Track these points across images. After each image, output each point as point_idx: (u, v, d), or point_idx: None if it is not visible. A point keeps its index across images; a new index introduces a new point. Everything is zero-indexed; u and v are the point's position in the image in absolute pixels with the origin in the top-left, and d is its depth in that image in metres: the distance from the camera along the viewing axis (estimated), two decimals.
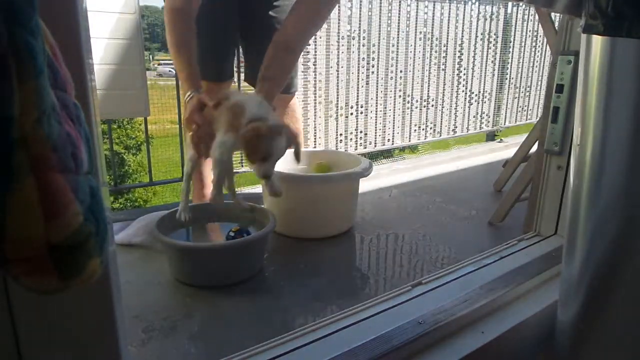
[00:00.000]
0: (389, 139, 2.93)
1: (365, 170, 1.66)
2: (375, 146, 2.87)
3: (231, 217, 1.55)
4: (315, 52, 2.45)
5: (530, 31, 3.51)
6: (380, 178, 2.39)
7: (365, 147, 2.82)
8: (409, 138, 3.03)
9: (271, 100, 1.41)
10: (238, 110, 1.26)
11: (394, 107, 2.89)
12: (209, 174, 1.81)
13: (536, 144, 1.42)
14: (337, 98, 2.60)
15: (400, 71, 2.86)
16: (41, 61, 0.28)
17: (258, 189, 2.05)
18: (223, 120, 1.29)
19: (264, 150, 1.20)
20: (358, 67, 2.65)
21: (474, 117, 3.37)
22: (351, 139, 2.74)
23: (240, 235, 1.38)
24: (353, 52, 2.59)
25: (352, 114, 2.70)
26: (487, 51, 3.29)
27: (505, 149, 3.14)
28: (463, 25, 3.09)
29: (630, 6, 0.58)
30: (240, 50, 2.01)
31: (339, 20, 2.49)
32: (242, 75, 2.17)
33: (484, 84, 3.35)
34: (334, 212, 1.65)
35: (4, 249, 0.28)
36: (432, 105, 3.09)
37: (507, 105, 3.57)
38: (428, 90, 3.04)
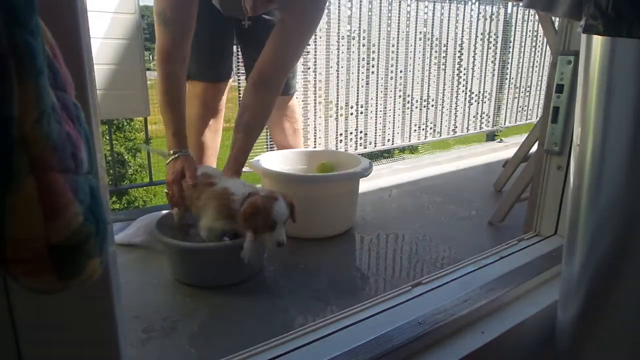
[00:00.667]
0: (389, 139, 2.93)
1: (365, 170, 1.66)
2: (375, 146, 2.87)
3: None
4: (315, 52, 2.45)
5: (530, 31, 3.51)
6: (380, 178, 2.39)
7: (365, 147, 2.83)
8: (409, 138, 3.03)
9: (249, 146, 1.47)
10: (226, 197, 1.28)
11: (394, 107, 2.89)
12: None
13: (536, 144, 1.42)
14: (337, 98, 2.60)
15: (400, 71, 2.86)
16: (41, 61, 0.28)
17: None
18: (211, 206, 1.30)
19: (268, 219, 1.21)
20: (358, 67, 2.65)
21: (474, 117, 3.37)
22: (351, 139, 2.75)
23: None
24: (353, 52, 2.60)
25: (352, 114, 2.70)
26: (487, 51, 3.29)
27: (505, 149, 3.14)
28: (463, 25, 3.09)
29: (630, 6, 0.58)
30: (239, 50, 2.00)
31: (339, 20, 2.50)
32: (241, 76, 2.18)
33: (484, 84, 3.35)
34: (334, 212, 1.66)
35: (4, 249, 0.28)
36: (432, 105, 3.09)
37: (507, 105, 3.57)
38: (428, 90, 3.04)
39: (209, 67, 1.76)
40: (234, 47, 1.92)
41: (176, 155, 1.41)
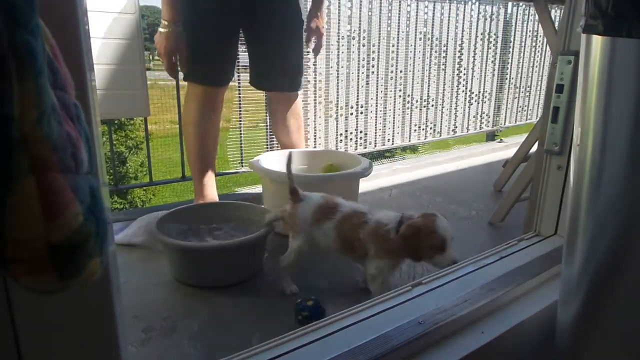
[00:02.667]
0: (389, 139, 2.93)
1: (365, 170, 1.66)
2: (375, 146, 2.87)
3: (230, 218, 1.56)
4: None
5: (530, 31, 3.51)
6: (380, 178, 2.39)
7: (365, 147, 2.82)
8: (409, 138, 3.03)
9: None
10: (382, 228, 1.18)
11: (394, 107, 2.89)
12: (211, 177, 1.81)
13: (536, 144, 1.42)
14: (337, 98, 2.60)
15: (400, 71, 2.86)
16: (41, 61, 0.28)
17: (258, 188, 2.05)
18: (372, 246, 1.19)
19: (434, 238, 1.12)
20: (358, 67, 2.65)
21: (474, 117, 3.37)
22: (351, 139, 2.74)
23: (316, 312, 1.14)
24: (353, 52, 2.59)
25: (352, 114, 2.70)
26: (487, 51, 3.29)
27: (505, 149, 3.14)
28: (463, 25, 3.09)
29: (630, 6, 0.58)
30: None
31: (339, 20, 2.49)
32: (241, 76, 2.18)
33: (484, 84, 3.35)
34: None
35: (4, 249, 0.28)
36: (432, 105, 3.09)
37: (507, 105, 3.57)
38: (428, 90, 3.04)
39: (211, 71, 1.73)
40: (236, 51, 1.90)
41: (170, 29, 1.54)
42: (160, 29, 1.56)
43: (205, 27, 1.61)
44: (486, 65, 3.32)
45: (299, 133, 1.99)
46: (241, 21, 1.71)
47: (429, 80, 3.02)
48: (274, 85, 1.87)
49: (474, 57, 3.22)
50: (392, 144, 2.97)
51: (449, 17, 3.00)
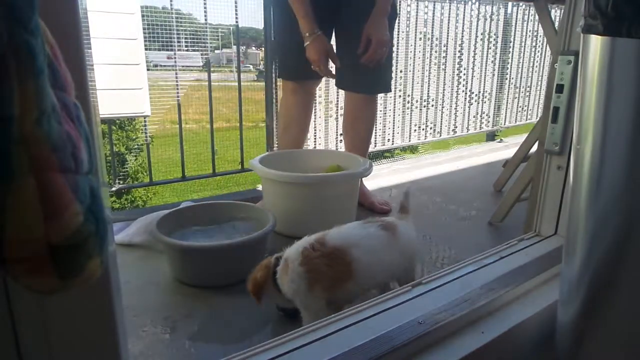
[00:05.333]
0: (389, 139, 2.93)
1: (365, 170, 1.66)
2: (375, 146, 2.87)
3: (230, 218, 1.56)
4: None
5: (530, 31, 3.51)
6: (380, 178, 2.39)
7: None
8: (409, 138, 3.03)
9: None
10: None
11: (394, 107, 2.89)
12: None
13: (536, 144, 1.42)
14: (337, 98, 2.60)
15: (400, 71, 2.86)
16: (41, 61, 0.28)
17: (258, 189, 2.05)
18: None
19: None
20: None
21: (474, 117, 3.37)
22: None
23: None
24: None
25: None
26: (487, 51, 3.29)
27: (505, 149, 3.14)
28: (463, 25, 3.09)
29: (630, 6, 0.58)
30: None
31: None
32: (241, 75, 2.18)
33: (484, 84, 3.35)
34: (334, 212, 1.65)
35: (4, 249, 0.28)
36: (432, 105, 3.09)
37: (507, 105, 3.57)
38: (428, 90, 3.04)
39: (298, 68, 1.82)
40: None
41: (313, 37, 1.65)
42: (306, 43, 1.68)
43: (289, 30, 1.73)
44: (486, 65, 3.32)
45: (364, 139, 1.96)
46: (327, 24, 1.78)
47: (429, 80, 3.02)
48: (348, 85, 1.91)
49: (474, 57, 3.22)
50: (392, 144, 2.97)
51: (449, 17, 3.00)
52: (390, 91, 2.14)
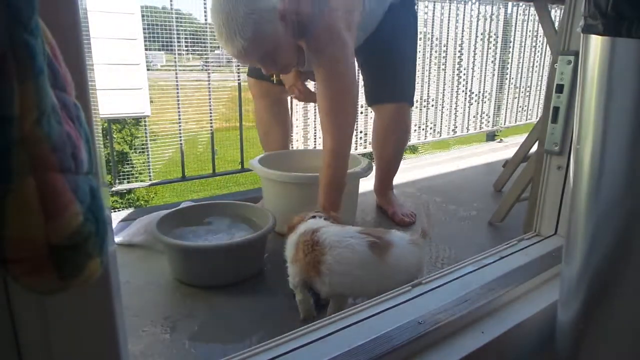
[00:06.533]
0: None
1: (365, 170, 1.66)
2: None
3: (230, 218, 1.56)
4: None
5: (530, 31, 3.51)
6: None
7: (365, 147, 2.82)
8: (409, 138, 3.03)
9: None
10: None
11: None
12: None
13: (536, 144, 1.42)
14: None
15: None
16: (41, 61, 0.28)
17: (258, 188, 2.05)
18: None
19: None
20: (358, 67, 2.65)
21: (474, 117, 3.37)
22: None
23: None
24: None
25: None
26: (487, 51, 3.28)
27: (505, 149, 3.14)
28: (463, 25, 3.09)
29: (630, 6, 0.58)
30: None
31: None
32: (241, 75, 2.17)
33: (484, 84, 3.35)
34: None
35: (4, 249, 0.28)
36: (432, 105, 3.09)
37: (507, 105, 3.57)
38: (428, 90, 3.04)
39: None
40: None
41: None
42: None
43: None
44: (486, 65, 3.32)
45: (394, 150, 1.89)
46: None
47: (428, 80, 3.02)
48: (372, 99, 1.83)
49: (474, 57, 3.22)
50: None
51: (449, 17, 3.00)
52: (413, 105, 1.92)
